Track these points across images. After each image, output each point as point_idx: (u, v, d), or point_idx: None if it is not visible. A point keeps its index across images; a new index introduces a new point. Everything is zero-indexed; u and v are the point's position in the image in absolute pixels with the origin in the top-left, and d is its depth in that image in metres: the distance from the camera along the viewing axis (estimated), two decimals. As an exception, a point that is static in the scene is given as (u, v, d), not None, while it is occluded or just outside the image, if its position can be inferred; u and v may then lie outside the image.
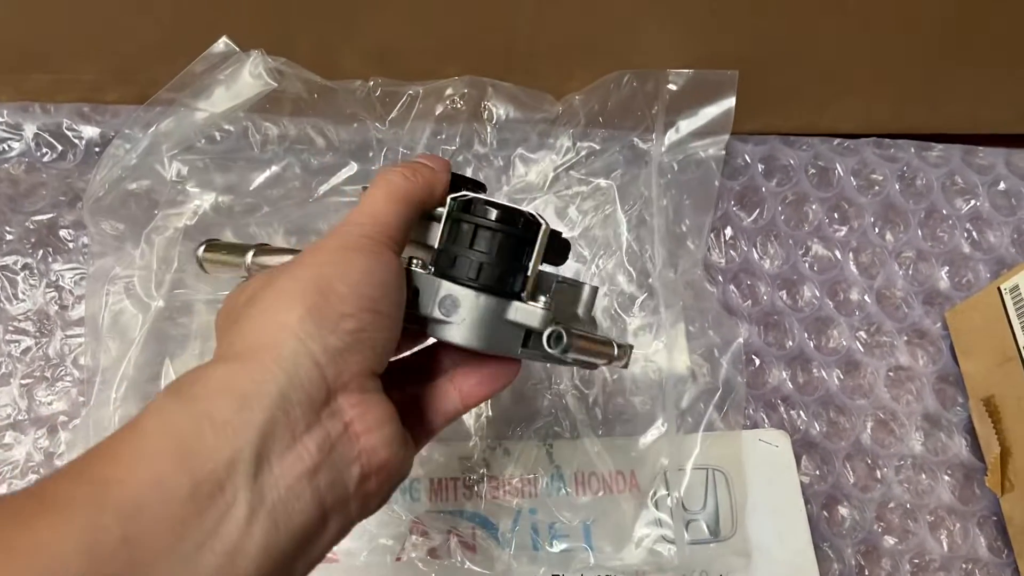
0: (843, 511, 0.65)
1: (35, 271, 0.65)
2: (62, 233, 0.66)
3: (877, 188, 0.75)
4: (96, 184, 0.61)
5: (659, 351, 0.65)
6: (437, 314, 0.38)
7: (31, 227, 0.66)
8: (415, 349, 0.44)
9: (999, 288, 0.63)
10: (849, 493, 0.65)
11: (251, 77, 0.61)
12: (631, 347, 0.45)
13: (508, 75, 0.68)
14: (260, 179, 0.66)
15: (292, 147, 0.67)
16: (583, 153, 0.70)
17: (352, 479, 0.32)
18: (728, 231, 0.72)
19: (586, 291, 0.45)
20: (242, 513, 0.28)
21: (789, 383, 0.68)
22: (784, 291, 0.71)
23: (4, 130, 0.67)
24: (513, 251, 0.39)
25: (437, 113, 0.68)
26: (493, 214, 0.38)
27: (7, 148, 0.67)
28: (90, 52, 0.65)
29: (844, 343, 0.70)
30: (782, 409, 0.67)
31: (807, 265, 0.72)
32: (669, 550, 0.60)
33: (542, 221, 0.38)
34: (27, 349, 0.63)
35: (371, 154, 0.67)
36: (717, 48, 0.68)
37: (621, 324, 0.66)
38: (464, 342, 0.38)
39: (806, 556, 0.61)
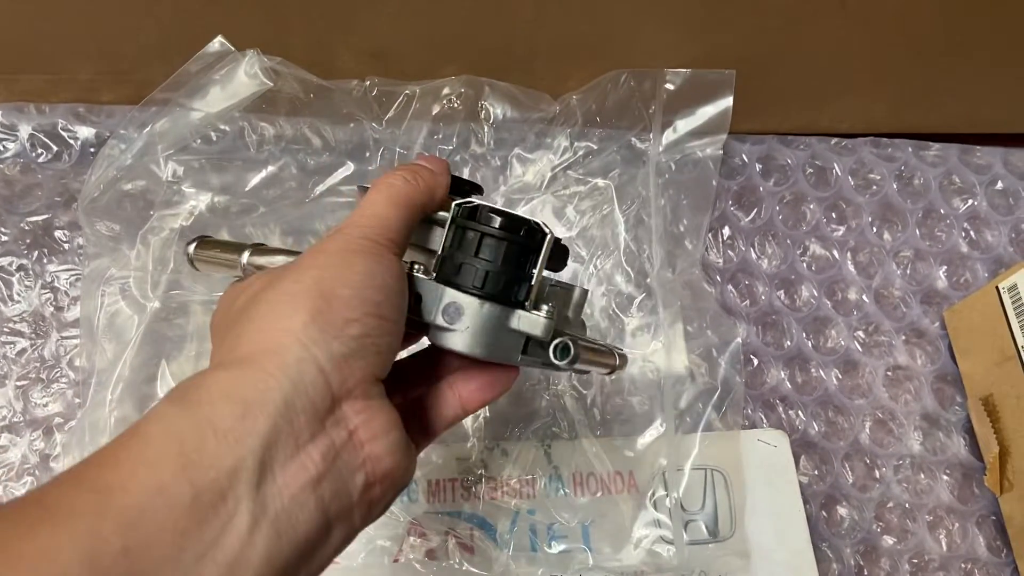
0: (842, 511, 0.65)
1: (30, 272, 0.64)
2: (57, 234, 0.65)
3: (875, 188, 0.75)
4: (91, 185, 0.61)
5: (657, 351, 0.65)
6: (440, 321, 0.38)
7: (26, 228, 0.65)
8: (410, 349, 0.44)
9: (997, 287, 0.63)
10: (848, 493, 0.65)
11: (247, 77, 0.61)
12: (626, 357, 0.45)
13: (505, 75, 0.68)
14: (256, 179, 0.65)
15: (288, 147, 0.67)
16: (580, 153, 0.70)
17: (356, 487, 0.32)
18: (726, 231, 0.72)
19: (576, 293, 0.45)
20: (244, 523, 0.28)
21: (787, 383, 0.68)
22: (782, 291, 0.71)
23: (-1, 131, 0.67)
24: (518, 260, 0.38)
25: (434, 113, 0.67)
26: (499, 222, 0.38)
27: (2, 149, 0.66)
28: (85, 52, 0.65)
29: (842, 343, 0.70)
30: (780, 409, 0.67)
31: (805, 265, 0.72)
32: (668, 551, 0.59)
33: (547, 230, 0.38)
34: (22, 351, 0.63)
35: (368, 154, 0.67)
36: (714, 48, 0.68)
37: (619, 324, 0.66)
38: (467, 350, 0.38)
39: (805, 556, 0.61)
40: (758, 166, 0.74)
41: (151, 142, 0.62)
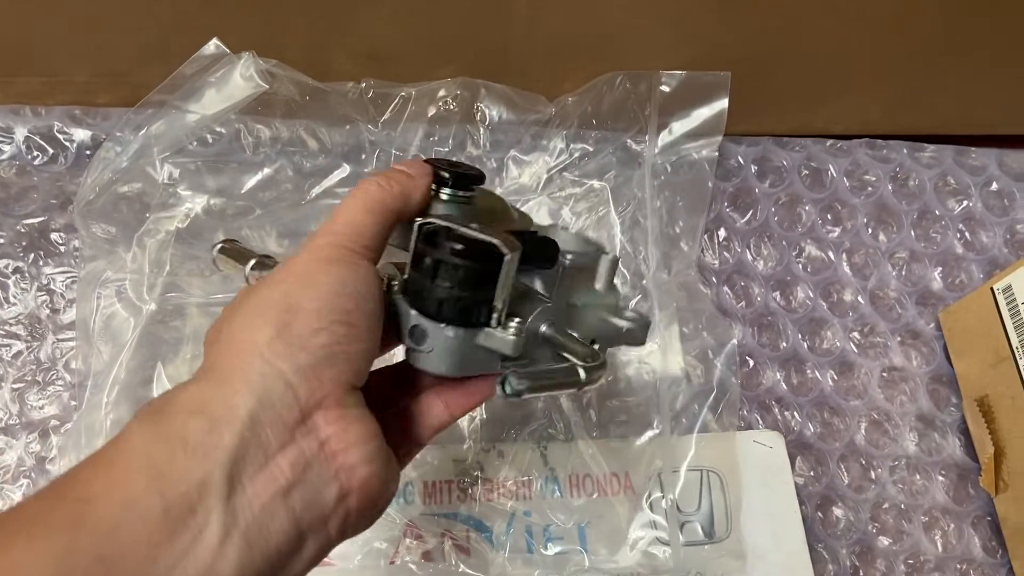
0: (837, 512, 0.65)
1: (26, 274, 0.64)
2: (53, 236, 0.65)
3: (870, 189, 0.75)
4: (87, 187, 0.61)
5: (653, 353, 0.65)
6: (408, 342, 0.38)
7: (22, 230, 0.65)
8: (392, 350, 0.43)
9: (992, 288, 0.63)
10: (843, 494, 0.65)
11: (242, 79, 0.61)
12: (602, 364, 0.41)
13: (501, 77, 0.68)
14: (252, 181, 0.65)
15: (284, 149, 0.67)
16: (576, 155, 0.70)
17: (330, 497, 0.32)
18: (722, 232, 0.72)
19: (603, 265, 0.44)
20: (215, 534, 0.28)
21: (783, 384, 0.68)
22: (778, 292, 0.71)
23: (-6, 133, 0.67)
24: (477, 283, 0.37)
25: (430, 115, 0.67)
26: (454, 248, 0.37)
27: (-3, 151, 0.66)
28: (81, 55, 0.65)
29: (838, 344, 0.70)
30: (776, 410, 0.67)
31: (800, 266, 0.72)
32: (664, 552, 0.59)
33: (505, 251, 0.36)
34: (18, 353, 0.63)
35: (364, 156, 0.67)
36: (710, 50, 0.68)
37: (615, 326, 0.66)
38: (434, 370, 0.38)
39: (801, 557, 0.61)
40: (754, 168, 0.74)
41: (147, 144, 0.62)
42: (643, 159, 0.70)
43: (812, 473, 0.66)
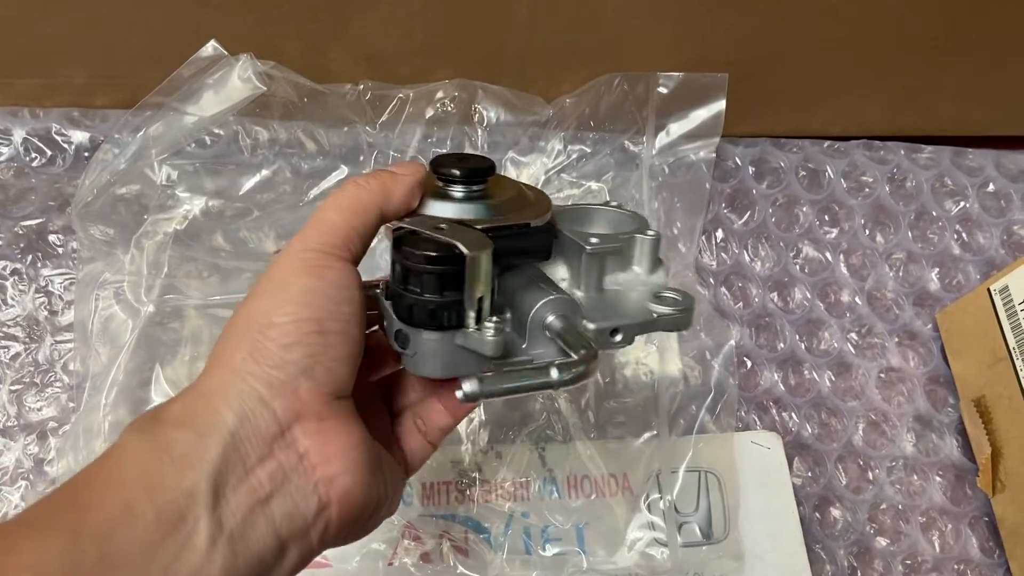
0: (835, 513, 0.65)
1: (24, 276, 0.64)
2: (51, 238, 0.65)
3: (867, 190, 0.75)
4: (85, 189, 0.61)
5: (651, 354, 0.65)
6: (395, 346, 0.38)
7: (20, 232, 0.65)
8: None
9: (989, 289, 0.63)
10: (841, 495, 0.65)
11: (240, 81, 0.61)
12: (586, 358, 0.37)
13: (499, 78, 0.68)
14: (250, 183, 0.66)
15: (282, 151, 0.67)
16: (574, 156, 0.70)
17: (310, 509, 0.33)
18: (719, 233, 0.72)
19: (643, 245, 0.42)
20: (203, 540, 0.30)
21: (781, 385, 0.68)
22: (775, 293, 0.71)
23: (-8, 135, 0.67)
24: (442, 287, 0.37)
25: (428, 116, 0.68)
26: (415, 253, 0.37)
27: (-4, 153, 0.67)
28: (79, 57, 0.65)
29: (835, 345, 0.70)
30: (774, 411, 0.67)
31: (798, 267, 0.72)
32: (662, 553, 0.60)
33: (466, 252, 0.35)
34: (16, 355, 0.63)
35: (361, 158, 0.67)
36: (707, 51, 0.68)
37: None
38: (419, 373, 0.38)
39: (798, 558, 0.61)
40: (751, 169, 0.75)
41: (145, 146, 0.62)
42: (641, 160, 0.70)
43: (810, 474, 0.66)
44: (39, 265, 0.65)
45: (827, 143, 0.76)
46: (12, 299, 0.64)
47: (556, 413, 0.63)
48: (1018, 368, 0.60)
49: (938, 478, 0.67)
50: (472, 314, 0.37)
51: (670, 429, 0.63)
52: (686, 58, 0.68)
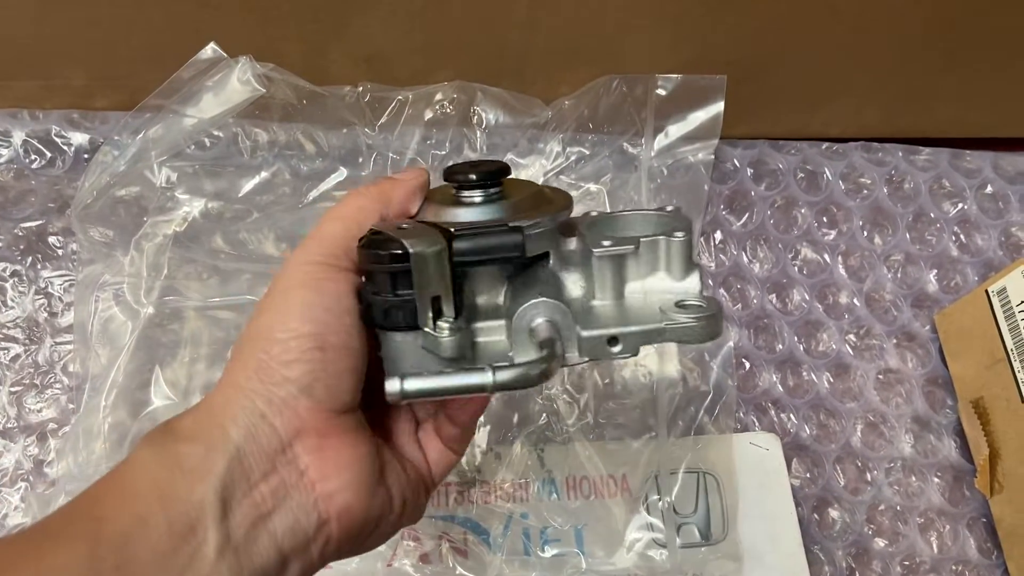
0: (834, 514, 0.65)
1: (24, 278, 0.65)
2: (51, 240, 0.66)
3: (865, 192, 0.75)
4: (85, 191, 0.61)
5: (650, 355, 0.65)
6: (379, 351, 0.38)
7: (20, 234, 0.65)
8: None
9: (987, 291, 0.64)
10: (839, 496, 0.66)
11: (239, 83, 0.61)
12: (535, 362, 0.35)
13: (498, 80, 0.68)
14: (250, 185, 0.66)
15: (282, 153, 0.67)
16: (573, 158, 0.70)
17: (311, 524, 0.34)
18: (718, 235, 0.72)
19: (668, 248, 0.39)
20: (211, 551, 0.31)
21: (779, 386, 0.68)
22: (774, 295, 0.71)
23: (-8, 137, 0.67)
24: (396, 285, 0.36)
25: (427, 118, 0.68)
26: (365, 252, 0.36)
27: (-5, 155, 0.67)
28: (79, 59, 0.65)
29: (834, 346, 0.70)
30: (772, 412, 0.68)
31: (796, 269, 0.72)
32: (660, 554, 0.60)
33: (409, 249, 0.35)
34: (16, 356, 0.63)
35: (361, 159, 0.67)
36: (706, 53, 0.68)
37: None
38: (387, 375, 0.37)
39: (797, 559, 0.61)
40: (749, 171, 0.75)
41: (145, 148, 0.62)
42: (639, 162, 0.70)
43: (808, 475, 0.66)
44: (39, 267, 0.65)
45: (825, 145, 0.76)
46: (12, 301, 0.64)
47: (555, 414, 0.63)
48: (1016, 369, 0.60)
49: (936, 479, 0.67)
50: (428, 314, 0.36)
51: (669, 430, 0.63)
52: (685, 59, 0.68)
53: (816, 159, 0.76)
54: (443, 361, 0.37)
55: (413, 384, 0.35)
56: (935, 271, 0.73)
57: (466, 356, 0.37)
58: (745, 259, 0.72)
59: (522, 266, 0.40)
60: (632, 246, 0.39)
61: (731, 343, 0.66)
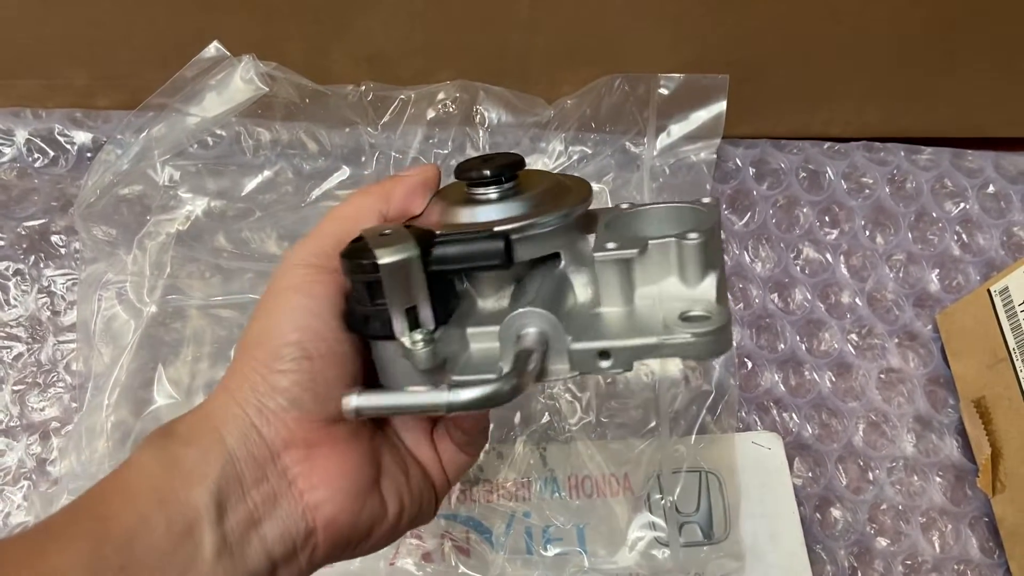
0: (836, 513, 0.65)
1: (27, 277, 0.65)
2: (54, 239, 0.66)
3: (867, 191, 0.75)
4: (88, 190, 0.61)
5: (652, 354, 0.65)
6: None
7: (23, 233, 0.65)
8: None
9: (989, 290, 0.64)
10: (841, 495, 0.66)
11: (242, 82, 0.61)
12: (498, 380, 0.33)
13: (500, 79, 0.68)
14: (252, 184, 0.66)
15: (284, 152, 0.67)
16: (575, 157, 0.70)
17: (299, 533, 0.34)
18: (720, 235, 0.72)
19: (680, 251, 0.36)
20: (209, 552, 0.32)
21: (781, 386, 0.68)
22: (776, 294, 0.71)
23: (-5, 136, 0.67)
24: (372, 294, 0.35)
25: (429, 117, 0.68)
26: (343, 262, 0.35)
27: (-2, 154, 0.67)
28: (81, 58, 0.65)
29: (836, 346, 0.70)
30: (774, 412, 0.68)
31: (798, 268, 0.72)
32: (663, 553, 0.60)
33: (378, 259, 0.33)
34: (19, 355, 0.63)
35: (363, 158, 0.67)
36: (708, 52, 0.68)
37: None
38: (381, 382, 0.37)
39: (799, 558, 0.61)
40: (751, 170, 0.75)
41: (147, 147, 0.62)
42: (642, 161, 0.70)
43: (810, 474, 0.66)
44: (42, 265, 0.65)
45: (827, 144, 0.76)
46: (15, 299, 0.64)
47: (557, 413, 0.63)
48: (1018, 369, 0.60)
49: (938, 478, 0.67)
50: (403, 324, 0.34)
51: (671, 430, 0.63)
52: (686, 59, 0.68)
53: (818, 159, 0.76)
54: (423, 373, 0.35)
55: (368, 400, 0.34)
56: (937, 271, 0.73)
57: (448, 367, 0.36)
58: (747, 258, 0.72)
59: (533, 265, 0.38)
60: (636, 249, 0.36)
61: (733, 342, 0.66)
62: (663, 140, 0.70)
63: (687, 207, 0.39)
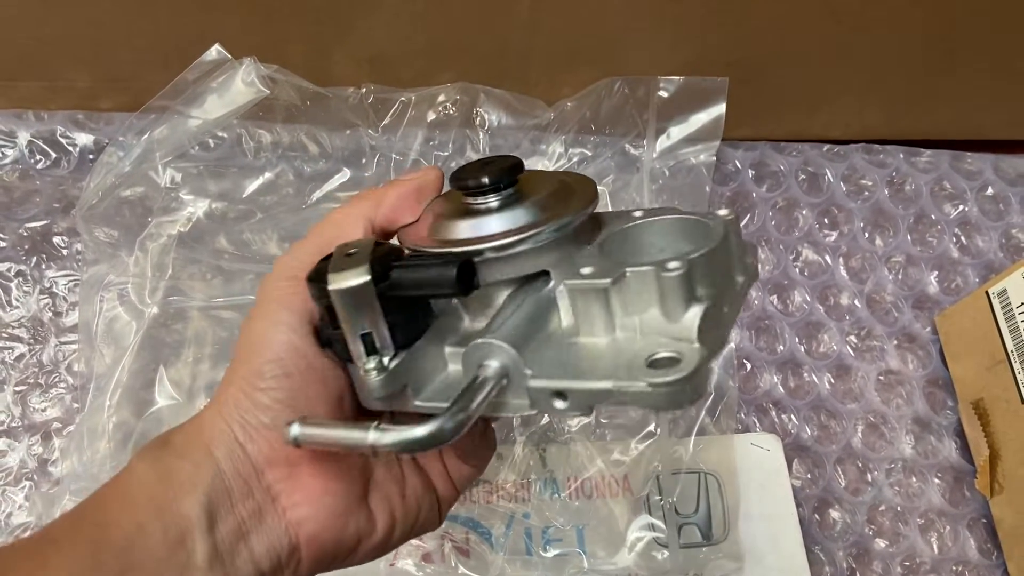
0: (834, 514, 0.65)
1: (29, 278, 0.65)
2: (56, 240, 0.66)
3: (867, 193, 0.75)
4: (90, 191, 0.61)
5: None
6: None
7: (25, 234, 0.66)
8: None
9: (987, 292, 0.64)
10: (840, 496, 0.66)
11: (244, 84, 0.61)
12: (438, 420, 0.30)
13: (500, 82, 0.68)
14: (254, 186, 0.66)
15: (285, 154, 0.67)
16: (575, 159, 0.70)
17: (283, 548, 0.34)
18: (719, 236, 0.73)
19: (660, 283, 0.31)
20: (201, 560, 0.32)
21: (780, 387, 0.69)
22: (775, 296, 0.72)
23: (-3, 137, 0.67)
24: (331, 316, 0.33)
25: (430, 120, 0.68)
26: (308, 284, 0.34)
27: (0, 155, 0.67)
28: (83, 60, 0.66)
29: (835, 347, 0.70)
30: (773, 413, 0.68)
31: (797, 270, 0.73)
32: (662, 554, 0.60)
33: (328, 286, 0.32)
34: (21, 356, 0.63)
35: (364, 161, 0.67)
36: (707, 54, 0.68)
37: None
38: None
39: (798, 559, 0.61)
40: (751, 172, 0.75)
41: (149, 149, 0.62)
42: (641, 164, 0.71)
43: (809, 476, 0.66)
44: (44, 267, 0.65)
45: (826, 147, 0.76)
46: (17, 300, 0.64)
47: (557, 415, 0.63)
48: (1016, 371, 0.61)
49: (937, 480, 0.67)
50: (359, 349, 0.33)
51: (670, 431, 0.63)
52: (685, 61, 0.68)
53: (817, 161, 0.76)
54: (380, 400, 0.34)
55: (308, 431, 0.32)
56: (936, 272, 0.73)
57: (411, 391, 0.34)
58: (746, 260, 0.72)
59: (524, 281, 0.35)
60: (609, 279, 0.32)
61: (732, 344, 0.67)
62: (663, 142, 0.71)
63: (693, 220, 0.35)
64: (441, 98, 0.68)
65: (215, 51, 0.61)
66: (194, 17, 0.62)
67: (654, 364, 0.30)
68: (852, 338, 0.71)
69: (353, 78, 0.67)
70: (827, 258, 0.73)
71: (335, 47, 0.66)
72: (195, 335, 0.61)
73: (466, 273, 0.33)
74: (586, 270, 0.33)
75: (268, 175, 0.66)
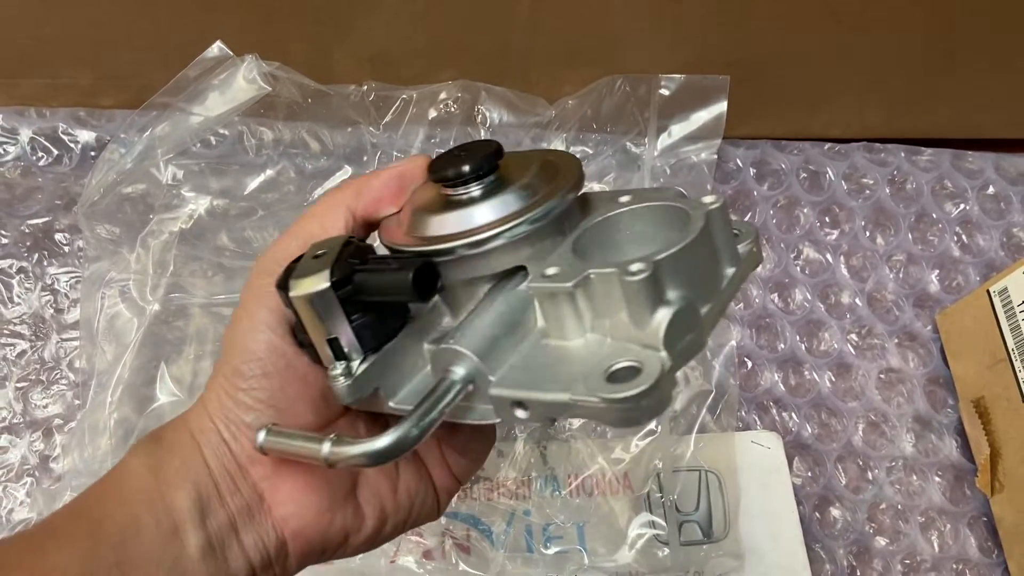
0: (835, 512, 0.65)
1: (30, 274, 0.65)
2: (57, 237, 0.66)
3: (868, 192, 0.75)
4: (91, 188, 0.62)
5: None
6: None
7: (26, 231, 0.66)
8: None
9: (988, 291, 0.64)
10: (841, 494, 0.66)
11: (245, 82, 0.61)
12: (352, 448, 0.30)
13: (501, 79, 0.69)
14: (255, 183, 0.66)
15: (287, 151, 0.68)
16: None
17: (272, 543, 0.35)
18: (720, 235, 0.73)
19: (624, 288, 0.28)
20: (194, 552, 0.33)
21: (781, 385, 0.69)
22: (776, 294, 0.72)
23: (0, 134, 0.67)
24: (298, 318, 0.33)
25: (431, 117, 0.68)
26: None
27: (3, 152, 0.67)
28: (86, 57, 0.66)
29: (835, 346, 0.70)
30: (774, 411, 0.68)
31: (798, 268, 0.73)
32: (662, 551, 0.60)
33: (289, 292, 0.32)
34: (22, 352, 0.63)
35: (365, 158, 0.67)
36: (708, 52, 0.68)
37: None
38: None
39: (798, 557, 0.61)
40: (752, 170, 0.75)
41: (151, 146, 0.62)
42: (642, 162, 0.71)
43: (810, 474, 0.66)
44: (45, 263, 0.65)
45: (828, 145, 0.76)
46: (18, 297, 0.64)
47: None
48: (1017, 369, 0.61)
49: (937, 478, 0.67)
50: (328, 353, 0.32)
51: (671, 428, 0.63)
52: (686, 61, 0.69)
53: (818, 159, 0.76)
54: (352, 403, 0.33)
55: (271, 439, 0.32)
56: (937, 271, 0.73)
57: (384, 393, 0.33)
58: (747, 259, 0.72)
59: (504, 276, 0.33)
60: (570, 283, 0.29)
61: (733, 342, 0.67)
62: (664, 140, 0.71)
63: (672, 207, 0.32)
64: (442, 96, 0.68)
65: (217, 48, 0.61)
66: (194, 17, 0.62)
67: (613, 376, 0.28)
68: (853, 336, 0.71)
69: (355, 76, 0.67)
70: (828, 256, 0.73)
71: (336, 45, 0.66)
72: (196, 332, 0.61)
73: (424, 278, 0.30)
74: (551, 271, 0.30)
75: (269, 172, 0.66)
